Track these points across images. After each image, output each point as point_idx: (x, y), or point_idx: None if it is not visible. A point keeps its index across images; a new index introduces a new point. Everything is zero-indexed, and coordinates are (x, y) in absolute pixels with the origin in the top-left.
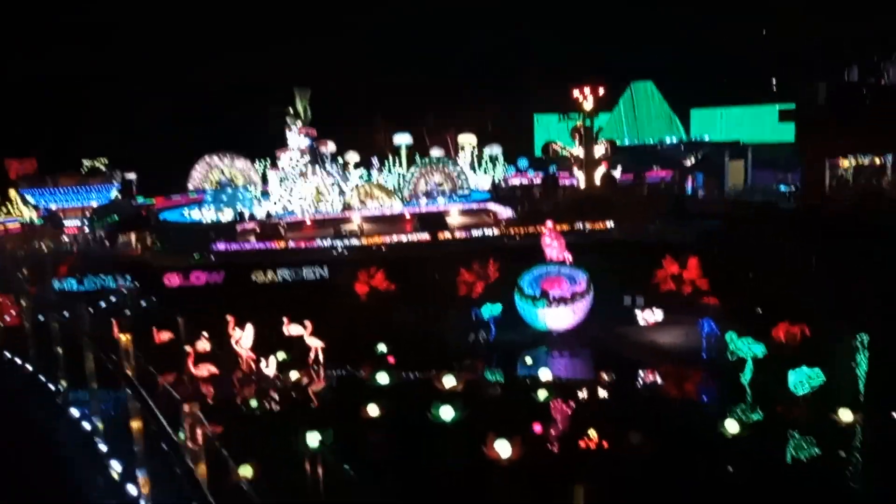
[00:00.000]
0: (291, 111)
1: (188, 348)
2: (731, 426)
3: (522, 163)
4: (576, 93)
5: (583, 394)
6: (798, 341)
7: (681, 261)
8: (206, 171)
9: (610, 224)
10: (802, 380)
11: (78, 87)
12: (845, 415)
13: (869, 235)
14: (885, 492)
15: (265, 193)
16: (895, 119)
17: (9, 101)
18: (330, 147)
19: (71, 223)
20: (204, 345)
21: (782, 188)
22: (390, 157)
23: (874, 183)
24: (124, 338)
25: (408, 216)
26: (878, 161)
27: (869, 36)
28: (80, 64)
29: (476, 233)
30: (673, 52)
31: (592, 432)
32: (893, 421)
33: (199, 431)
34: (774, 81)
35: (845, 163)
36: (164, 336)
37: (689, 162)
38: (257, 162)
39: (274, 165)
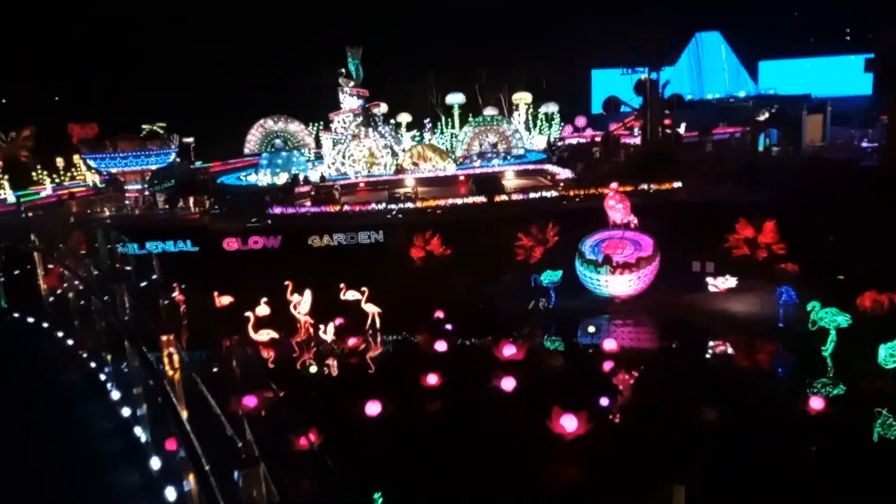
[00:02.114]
0: (343, 71)
1: (249, 314)
2: (814, 402)
3: (581, 121)
4: (640, 45)
5: (649, 365)
6: (886, 311)
7: (756, 224)
8: (262, 135)
9: (677, 184)
10: (894, 353)
11: (139, 52)
12: None
13: None
14: None
15: (318, 156)
16: None
17: (72, 66)
18: (382, 108)
19: (132, 187)
20: (263, 310)
21: (864, 144)
22: (443, 118)
23: None
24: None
25: (462, 178)
26: None
27: None
28: (143, 30)
29: (533, 195)
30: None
31: (661, 407)
32: None
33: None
34: (848, 31)
35: None
36: (225, 300)
37: (762, 117)
38: (311, 125)
39: (327, 128)
